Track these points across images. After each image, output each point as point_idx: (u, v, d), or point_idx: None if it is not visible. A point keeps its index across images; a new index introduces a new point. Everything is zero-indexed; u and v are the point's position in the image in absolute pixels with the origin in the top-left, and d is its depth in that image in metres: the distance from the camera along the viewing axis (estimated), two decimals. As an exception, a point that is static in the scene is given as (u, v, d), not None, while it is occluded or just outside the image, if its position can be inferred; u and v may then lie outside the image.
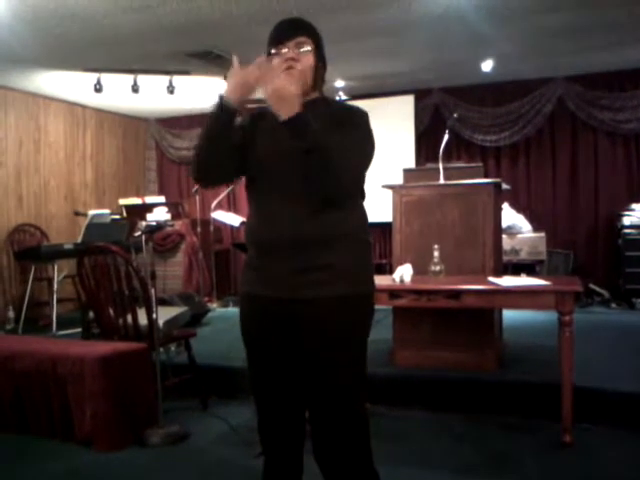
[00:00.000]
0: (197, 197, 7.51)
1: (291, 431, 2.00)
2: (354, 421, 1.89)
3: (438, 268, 3.56)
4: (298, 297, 1.84)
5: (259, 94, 1.96)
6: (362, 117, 1.92)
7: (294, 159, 1.77)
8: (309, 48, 1.88)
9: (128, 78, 6.43)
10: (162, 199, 7.65)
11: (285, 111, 1.71)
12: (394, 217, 4.05)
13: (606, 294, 6.65)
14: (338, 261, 1.85)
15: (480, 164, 4.87)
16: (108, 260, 3.57)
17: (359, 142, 1.87)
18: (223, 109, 1.82)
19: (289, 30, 1.90)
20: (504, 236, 5.26)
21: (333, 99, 2.08)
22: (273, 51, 1.89)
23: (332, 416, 1.87)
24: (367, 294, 1.94)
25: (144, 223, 6.07)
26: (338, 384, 1.86)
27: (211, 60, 6.00)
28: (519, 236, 6.47)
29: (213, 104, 1.85)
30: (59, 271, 6.05)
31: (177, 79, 6.54)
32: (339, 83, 7.11)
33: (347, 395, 1.87)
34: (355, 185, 1.89)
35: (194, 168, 1.94)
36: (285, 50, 1.87)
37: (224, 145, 1.87)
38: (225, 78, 6.71)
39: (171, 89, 6.59)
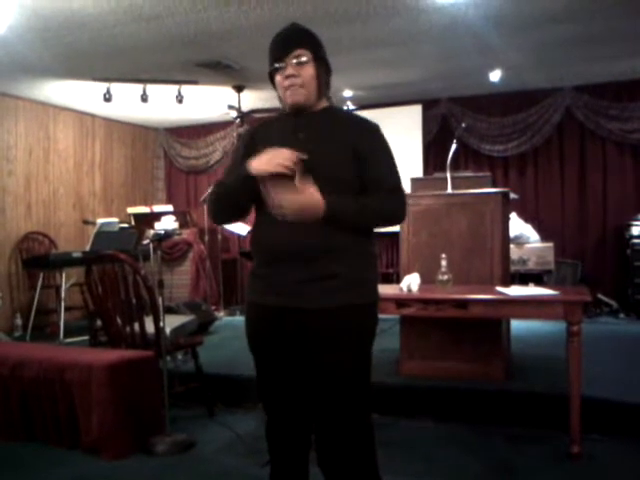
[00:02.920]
0: (205, 206, 7.52)
1: (298, 438, 2.00)
2: (359, 430, 1.89)
3: (446, 277, 3.55)
4: (304, 306, 1.85)
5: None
6: (381, 137, 1.98)
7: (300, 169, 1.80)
8: (306, 59, 1.90)
9: (137, 88, 6.48)
10: (170, 208, 7.69)
11: (311, 219, 1.78)
12: (401, 226, 4.05)
13: (615, 304, 6.61)
14: (344, 271, 1.86)
15: (488, 174, 4.87)
16: (116, 268, 3.58)
17: (392, 170, 1.97)
18: (247, 179, 1.85)
19: (285, 45, 1.92)
20: (512, 246, 5.24)
21: (341, 109, 2.10)
22: (276, 65, 1.92)
23: (337, 425, 1.87)
24: (372, 304, 1.95)
25: (152, 232, 6.10)
26: (343, 393, 1.86)
27: (220, 70, 6.03)
28: (527, 246, 6.45)
29: (240, 175, 1.87)
30: (67, 279, 6.08)
31: (186, 89, 6.58)
32: (347, 93, 7.13)
33: (352, 404, 1.87)
34: (406, 206, 1.99)
35: (214, 215, 2.04)
36: (282, 65, 1.90)
37: (243, 199, 1.94)
38: (234, 89, 6.74)
39: (180, 99, 6.63)
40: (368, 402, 1.93)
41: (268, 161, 1.77)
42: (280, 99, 1.99)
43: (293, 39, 1.93)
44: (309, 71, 1.90)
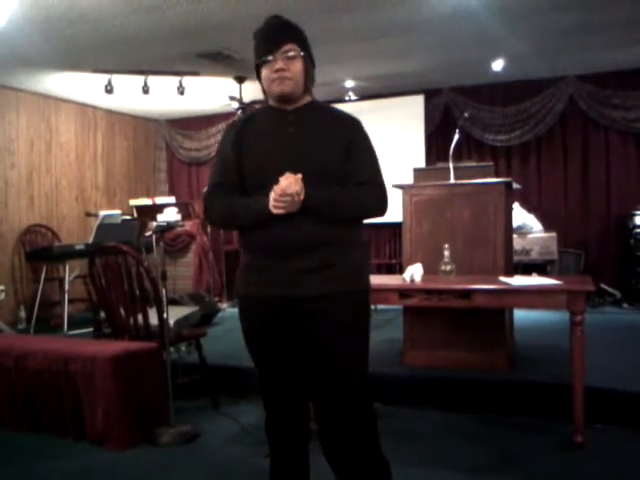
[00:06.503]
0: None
1: (298, 430, 2.02)
2: (360, 411, 1.91)
3: (449, 268, 3.55)
4: (303, 294, 1.88)
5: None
6: (362, 131, 2.02)
7: (295, 163, 1.85)
8: (295, 54, 1.92)
9: (138, 79, 6.46)
10: (172, 200, 7.68)
11: (293, 208, 1.81)
12: (404, 217, 4.04)
13: (618, 294, 6.61)
14: (340, 260, 1.91)
15: (491, 163, 4.86)
16: (119, 260, 3.58)
17: (373, 165, 1.99)
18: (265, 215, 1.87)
19: (275, 38, 1.93)
20: (515, 236, 5.24)
21: (324, 104, 2.10)
22: (267, 58, 1.92)
23: (338, 408, 1.89)
24: (366, 290, 2.00)
25: (154, 223, 6.08)
26: (343, 374, 1.90)
27: (221, 61, 6.02)
28: (530, 236, 6.45)
29: (257, 211, 1.88)
30: (70, 271, 6.09)
31: (187, 80, 6.56)
32: (349, 83, 7.11)
33: (352, 385, 1.90)
34: (386, 199, 1.99)
35: (219, 225, 2.17)
36: (271, 58, 1.91)
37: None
38: (235, 80, 6.72)
39: (181, 90, 6.61)
40: (368, 385, 1.95)
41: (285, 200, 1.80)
42: (264, 92, 2.01)
43: (283, 33, 1.95)
44: (298, 65, 1.93)
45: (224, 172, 2.00)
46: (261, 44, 1.95)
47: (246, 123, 2.05)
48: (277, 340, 1.95)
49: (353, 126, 2.00)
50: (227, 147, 2.01)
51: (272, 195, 1.82)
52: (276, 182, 1.82)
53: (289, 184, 1.78)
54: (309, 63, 1.98)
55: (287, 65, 1.90)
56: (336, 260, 1.90)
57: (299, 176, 1.80)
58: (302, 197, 1.80)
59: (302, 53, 1.93)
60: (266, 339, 1.97)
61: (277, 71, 1.90)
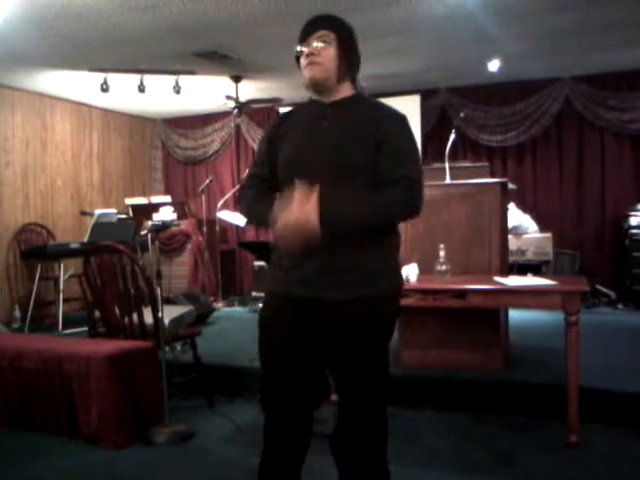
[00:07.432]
0: (203, 197, 7.52)
1: (297, 430, 1.97)
2: (378, 420, 1.93)
3: (444, 268, 3.55)
4: (321, 297, 1.85)
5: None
6: (403, 127, 1.94)
7: (321, 159, 1.84)
8: (327, 40, 1.90)
9: (134, 78, 6.44)
10: (168, 199, 7.67)
11: (310, 240, 1.73)
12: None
13: (613, 295, 6.62)
14: (361, 263, 1.85)
15: (486, 164, 4.86)
16: (114, 259, 3.58)
17: (407, 160, 1.90)
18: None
19: (310, 26, 1.94)
20: (510, 236, 5.25)
21: (370, 98, 2.05)
22: (297, 49, 1.93)
23: (355, 414, 1.90)
24: (389, 295, 1.94)
25: (150, 223, 6.08)
26: (360, 384, 1.88)
27: (217, 60, 6.00)
28: (525, 236, 6.46)
29: (265, 224, 1.86)
30: (65, 270, 6.08)
31: (183, 79, 6.55)
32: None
33: (368, 394, 1.90)
34: (417, 199, 1.92)
35: (248, 222, 2.15)
36: (305, 45, 1.91)
37: None
38: (232, 79, 6.71)
39: (177, 89, 6.60)
40: (385, 393, 1.94)
41: (290, 239, 1.75)
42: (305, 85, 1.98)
43: (317, 22, 1.95)
44: (330, 51, 1.90)
45: (258, 164, 2.05)
46: (299, 35, 1.95)
47: (286, 117, 2.06)
48: (287, 336, 1.91)
49: (390, 120, 1.92)
50: (264, 140, 2.05)
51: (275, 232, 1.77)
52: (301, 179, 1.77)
53: (285, 236, 1.75)
54: (345, 51, 1.93)
55: (318, 50, 1.88)
56: (357, 263, 1.84)
57: (311, 204, 1.70)
58: (316, 233, 1.70)
59: (337, 40, 1.90)
60: (276, 334, 1.93)
61: (307, 56, 1.89)
